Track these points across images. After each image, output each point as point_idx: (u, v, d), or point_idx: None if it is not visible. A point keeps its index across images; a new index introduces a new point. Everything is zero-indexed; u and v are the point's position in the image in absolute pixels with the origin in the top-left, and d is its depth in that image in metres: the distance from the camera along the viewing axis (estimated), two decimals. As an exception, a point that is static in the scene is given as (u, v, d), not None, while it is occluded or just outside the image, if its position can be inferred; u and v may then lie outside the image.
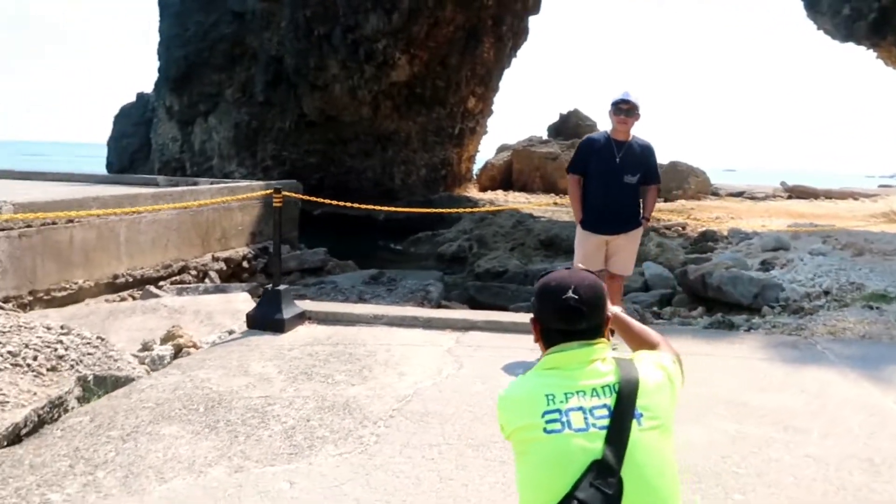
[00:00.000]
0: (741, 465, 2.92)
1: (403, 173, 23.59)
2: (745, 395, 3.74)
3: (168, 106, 24.53)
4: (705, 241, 13.88)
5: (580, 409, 1.57)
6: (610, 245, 4.60)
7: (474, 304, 8.74)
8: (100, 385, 4.03)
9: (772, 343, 4.86)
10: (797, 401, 3.68)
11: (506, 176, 27.13)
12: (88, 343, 4.43)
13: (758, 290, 7.52)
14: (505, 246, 14.72)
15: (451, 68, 22.67)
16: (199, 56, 23.08)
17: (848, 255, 9.55)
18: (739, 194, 27.27)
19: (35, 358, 3.91)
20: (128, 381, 4.11)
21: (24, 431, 3.25)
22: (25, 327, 4.29)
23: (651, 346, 1.93)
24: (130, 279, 7.59)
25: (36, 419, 3.38)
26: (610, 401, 1.57)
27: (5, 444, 3.09)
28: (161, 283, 8.01)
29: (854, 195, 26.77)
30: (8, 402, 3.37)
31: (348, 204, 7.67)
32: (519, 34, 24.61)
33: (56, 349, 4.11)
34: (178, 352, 4.93)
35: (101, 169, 27.91)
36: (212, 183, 11.03)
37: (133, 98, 29.83)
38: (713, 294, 7.82)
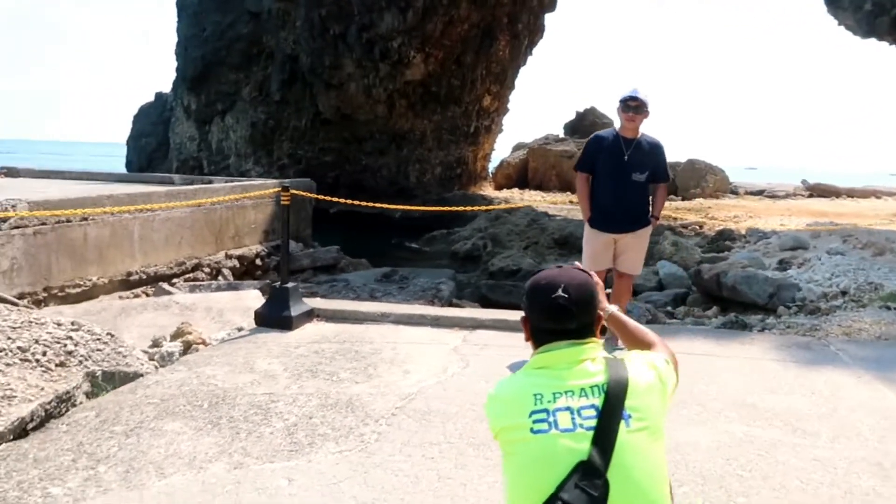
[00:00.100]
0: (746, 467, 2.86)
1: (418, 172, 23.61)
2: (753, 397, 3.68)
3: (186, 105, 24.78)
4: (722, 240, 13.70)
5: (568, 409, 1.55)
6: (618, 244, 4.55)
7: (486, 303, 8.72)
8: (108, 381, 4.06)
9: (784, 344, 4.78)
10: (807, 403, 3.61)
11: (521, 174, 27.05)
12: (98, 339, 4.46)
13: (773, 289, 7.41)
14: (519, 244, 14.67)
15: (466, 66, 22.63)
16: (217, 55, 23.28)
17: (868, 254, 9.37)
18: (759, 193, 26.93)
19: (44, 353, 3.95)
20: (136, 376, 4.15)
21: (30, 426, 3.29)
22: (36, 323, 4.34)
23: (647, 345, 1.89)
24: (144, 276, 7.66)
25: (43, 414, 3.42)
26: (598, 401, 1.54)
27: (11, 437, 3.12)
28: (174, 280, 8.08)
29: (877, 193, 26.34)
30: (15, 396, 3.41)
31: (360, 202, 7.69)
32: (535, 32, 24.50)
33: (65, 345, 4.15)
34: (187, 348, 4.97)
35: (122, 168, 28.28)
36: (226, 181, 11.11)
37: (151, 97, 30.14)
38: (728, 294, 7.72)
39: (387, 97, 21.66)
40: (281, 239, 5.36)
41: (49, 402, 3.47)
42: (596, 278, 1.99)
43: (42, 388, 3.62)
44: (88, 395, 3.86)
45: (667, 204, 21.87)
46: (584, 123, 28.02)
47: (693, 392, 3.74)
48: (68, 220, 6.67)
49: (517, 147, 29.15)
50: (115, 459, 2.84)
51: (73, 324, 4.53)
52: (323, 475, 2.73)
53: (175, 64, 25.09)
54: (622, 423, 1.52)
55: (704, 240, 14.39)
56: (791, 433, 3.22)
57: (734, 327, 5.76)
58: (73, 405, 3.66)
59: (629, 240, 4.53)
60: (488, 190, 25.35)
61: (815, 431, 3.24)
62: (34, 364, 3.83)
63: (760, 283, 7.45)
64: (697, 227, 15.75)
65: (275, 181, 11.17)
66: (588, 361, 1.63)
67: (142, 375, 4.15)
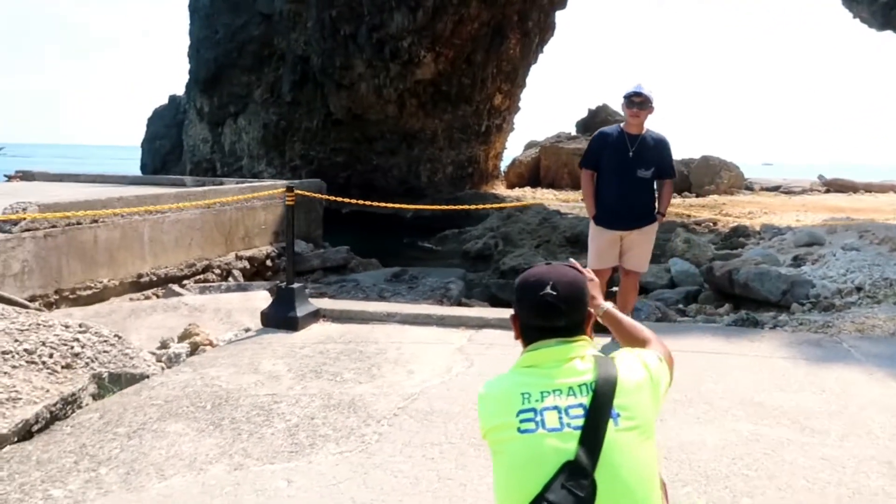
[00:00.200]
0: (752, 466, 2.81)
1: (430, 171, 23.61)
2: (762, 395, 3.62)
3: (199, 108, 24.97)
4: (736, 237, 13.56)
5: (555, 408, 1.52)
6: (624, 241, 4.50)
7: (496, 302, 8.68)
8: (115, 382, 4.08)
9: (795, 341, 4.71)
10: (817, 400, 3.55)
11: (534, 173, 26.96)
12: (105, 341, 4.49)
13: (786, 286, 7.31)
14: (531, 243, 14.62)
15: (476, 65, 22.59)
16: (228, 58, 23.42)
17: (885, 249, 9.21)
18: (775, 189, 26.62)
19: (51, 355, 3.98)
20: (142, 378, 4.17)
21: (35, 428, 3.31)
22: (44, 325, 4.37)
23: (642, 343, 1.86)
24: (154, 278, 7.71)
25: (48, 416, 3.44)
26: (586, 400, 1.52)
27: (16, 440, 3.14)
28: (185, 281, 8.13)
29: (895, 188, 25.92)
30: (20, 398, 3.43)
31: (369, 202, 7.68)
32: (545, 29, 24.40)
33: (72, 347, 4.18)
34: (194, 350, 4.99)
35: (137, 171, 28.55)
36: (236, 182, 11.16)
37: (165, 100, 30.40)
38: (740, 291, 7.62)
39: (397, 97, 21.68)
40: (287, 240, 5.36)
41: (54, 405, 3.49)
42: (591, 275, 1.97)
43: (48, 391, 3.65)
44: (95, 397, 3.88)
45: (681, 201, 21.68)
46: (596, 121, 27.84)
47: (700, 390, 3.69)
48: (78, 223, 6.73)
49: (529, 145, 29.05)
50: (116, 461, 2.85)
51: (80, 326, 4.56)
52: (322, 476, 2.72)
53: (188, 66, 25.28)
54: (610, 422, 1.49)
55: (718, 236, 14.25)
56: (799, 432, 3.16)
57: (745, 325, 5.68)
58: (79, 407, 3.69)
59: (635, 237, 4.48)
60: (500, 189, 25.29)
61: (824, 430, 3.18)
62: (40, 366, 3.86)
63: (773, 280, 7.35)
64: (711, 224, 15.61)
65: (284, 182, 11.21)
66: (577, 359, 1.60)
67: (148, 377, 4.17)
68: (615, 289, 4.74)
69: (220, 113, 24.34)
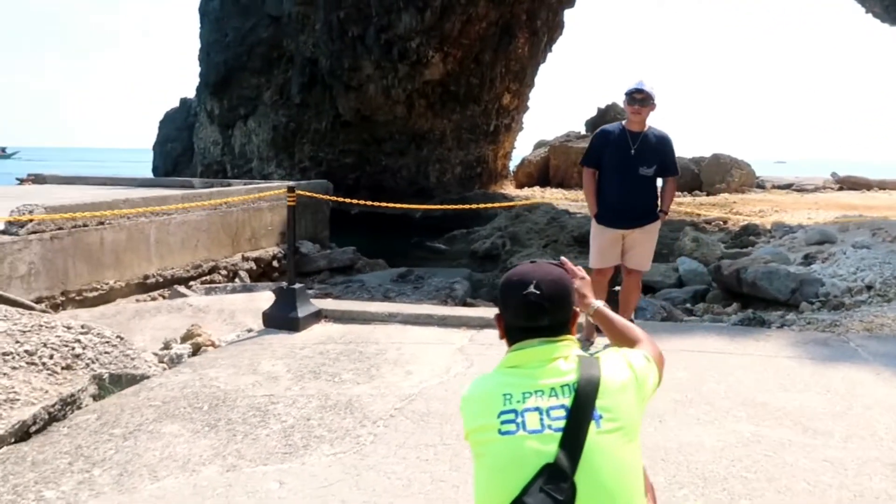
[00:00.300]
0: (752, 468, 2.76)
1: (438, 171, 23.58)
2: (765, 395, 3.56)
3: (209, 110, 25.10)
4: (746, 235, 13.42)
5: (537, 409, 1.49)
6: (626, 240, 4.45)
7: (501, 302, 8.62)
8: (115, 383, 4.09)
9: (801, 340, 4.63)
10: (821, 401, 3.49)
11: (543, 172, 26.86)
12: (107, 342, 4.50)
13: (795, 285, 7.21)
14: (539, 243, 14.57)
15: (485, 65, 22.54)
16: (238, 60, 23.53)
17: (897, 247, 9.08)
18: (787, 187, 26.36)
19: (51, 357, 3.99)
20: (143, 379, 4.17)
21: (33, 429, 3.32)
22: (46, 327, 4.39)
23: (632, 342, 1.82)
24: (161, 279, 7.74)
25: (46, 417, 3.45)
26: (568, 401, 1.48)
27: (12, 440, 3.15)
28: (191, 283, 8.16)
29: (910, 185, 25.58)
30: (18, 399, 3.44)
31: (374, 203, 7.67)
32: (554, 28, 24.31)
33: (73, 348, 4.19)
34: (196, 350, 4.99)
35: (149, 173, 28.76)
36: (243, 184, 11.20)
37: (177, 103, 30.59)
38: (748, 290, 7.53)
39: (406, 97, 21.67)
40: (289, 240, 5.35)
41: (53, 405, 3.50)
42: (582, 273, 1.93)
43: (46, 392, 3.65)
44: (95, 398, 3.89)
45: (691, 199, 21.48)
46: (605, 120, 27.69)
47: (701, 391, 3.64)
48: (85, 225, 6.76)
49: (538, 145, 28.95)
50: (110, 462, 2.85)
51: (83, 327, 4.58)
52: (315, 478, 2.70)
53: (198, 69, 25.43)
54: (592, 424, 1.45)
55: (728, 235, 14.11)
56: (802, 433, 3.10)
57: (752, 324, 5.60)
58: (79, 408, 3.69)
59: (637, 235, 4.43)
60: (509, 188, 25.22)
61: (827, 431, 3.12)
62: (40, 367, 3.87)
63: (782, 279, 7.25)
64: (721, 223, 15.46)
65: (291, 183, 11.23)
66: (560, 360, 1.56)
67: (149, 378, 4.18)
68: (618, 288, 4.69)
69: (230, 115, 24.46)
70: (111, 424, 3.28)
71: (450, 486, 2.62)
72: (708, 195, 22.85)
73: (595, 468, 1.42)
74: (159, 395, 3.68)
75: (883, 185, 25.54)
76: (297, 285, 5.20)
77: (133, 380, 4.14)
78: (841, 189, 25.49)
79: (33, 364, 3.87)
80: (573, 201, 19.24)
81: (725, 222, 15.53)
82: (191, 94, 28.23)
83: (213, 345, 5.11)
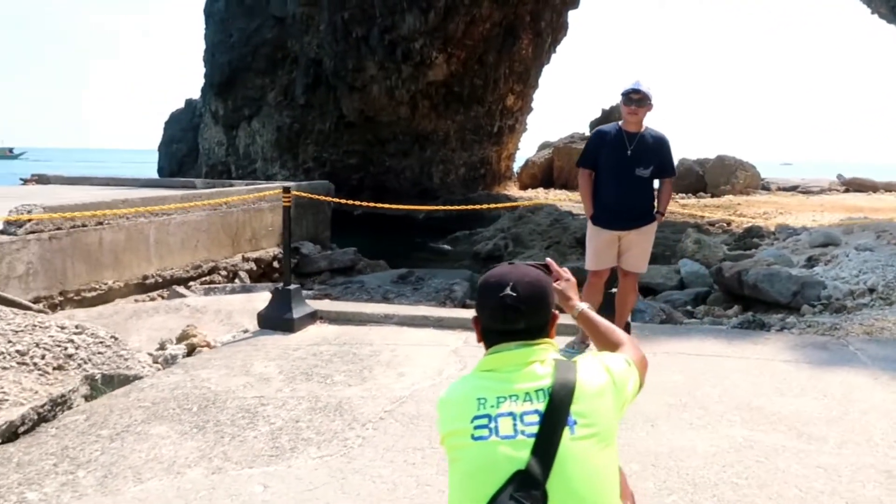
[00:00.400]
0: (743, 474, 2.72)
1: (442, 172, 23.58)
2: (760, 399, 3.52)
3: (214, 111, 25.15)
4: (750, 238, 13.34)
5: (511, 414, 1.45)
6: (622, 241, 4.41)
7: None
8: (107, 384, 4.08)
9: (800, 344, 4.58)
10: (817, 406, 3.44)
11: (547, 174, 26.83)
12: (101, 342, 4.50)
13: (797, 287, 7.15)
14: (541, 244, 14.52)
15: (488, 66, 22.53)
16: (243, 61, 23.57)
17: (902, 250, 8.99)
18: (792, 188, 26.24)
19: (43, 357, 3.99)
20: (136, 379, 4.16)
21: (21, 429, 3.30)
22: (40, 327, 4.38)
23: (614, 346, 1.78)
24: (160, 280, 7.74)
25: (35, 417, 3.43)
26: (542, 406, 1.45)
27: (0, 441, 3.14)
28: (191, 283, 8.15)
29: (917, 188, 25.41)
30: (7, 400, 3.43)
31: (371, 204, 7.66)
32: (558, 29, 24.28)
33: (66, 348, 4.18)
34: (191, 351, 4.98)
35: (154, 174, 28.84)
36: (245, 185, 11.20)
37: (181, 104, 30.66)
38: (749, 292, 7.47)
39: (409, 98, 21.69)
40: (284, 241, 5.33)
41: (42, 406, 3.48)
42: (567, 275, 1.90)
43: (36, 392, 3.65)
44: (87, 399, 3.88)
45: (695, 201, 21.40)
46: (609, 121, 27.53)
47: (696, 395, 3.60)
48: (83, 225, 6.76)
49: (543, 146, 28.92)
50: (95, 464, 2.83)
51: (77, 327, 4.57)
52: (300, 481, 2.67)
53: (203, 70, 25.49)
54: (566, 430, 1.42)
55: (732, 237, 14.04)
56: (796, 438, 3.06)
57: (751, 327, 5.55)
58: (69, 408, 3.68)
59: (633, 237, 4.38)
60: (513, 190, 25.20)
61: (821, 436, 3.07)
62: (31, 367, 3.86)
63: (783, 281, 7.19)
64: (725, 225, 15.39)
65: (292, 184, 11.21)
66: (537, 364, 1.53)
67: (141, 378, 4.16)
68: (614, 290, 4.65)
69: (235, 116, 24.51)
70: (99, 425, 3.26)
71: (436, 490, 2.59)
72: (712, 197, 22.77)
73: (567, 475, 1.38)
74: (149, 395, 3.66)
75: (889, 188, 25.39)
76: (293, 286, 5.18)
77: (126, 380, 4.13)
78: (847, 191, 25.36)
79: (24, 364, 3.86)
80: (577, 203, 19.17)
81: (729, 224, 15.46)
82: (196, 94, 28.31)
83: (208, 345, 5.10)
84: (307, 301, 5.42)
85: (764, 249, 11.49)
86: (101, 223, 6.97)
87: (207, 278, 8.49)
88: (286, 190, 5.08)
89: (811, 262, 9.41)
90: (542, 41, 23.90)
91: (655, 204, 4.46)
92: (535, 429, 1.42)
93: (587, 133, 27.94)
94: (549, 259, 1.95)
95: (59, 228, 6.53)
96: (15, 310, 4.81)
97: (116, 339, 4.67)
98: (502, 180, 25.60)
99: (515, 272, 1.60)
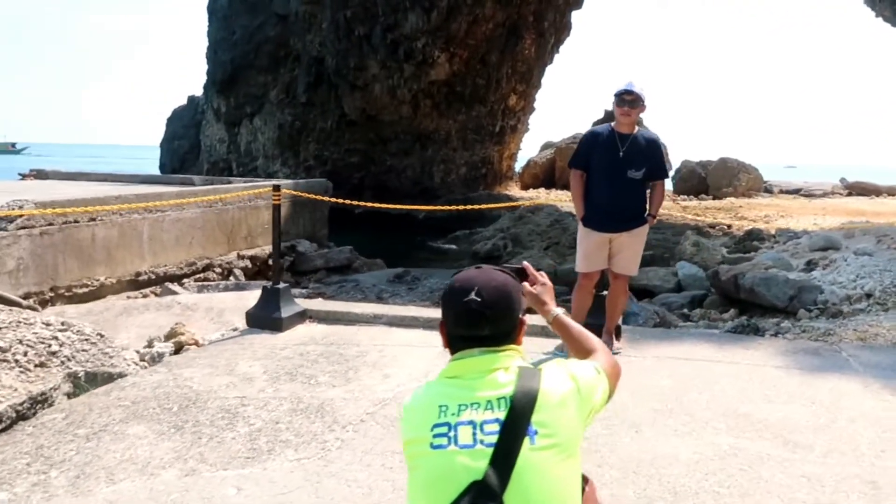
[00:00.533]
0: (725, 483, 2.67)
1: (443, 172, 23.52)
2: (747, 406, 3.47)
3: (216, 108, 25.14)
4: (750, 241, 13.26)
5: (471, 423, 1.42)
6: (613, 243, 4.36)
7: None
8: (91, 382, 4.04)
9: (791, 349, 4.53)
10: (805, 413, 3.39)
11: (549, 174, 26.74)
12: (86, 339, 4.46)
13: (794, 292, 7.08)
14: (540, 245, 14.46)
15: (491, 66, 22.46)
16: (245, 59, 23.55)
17: (902, 255, 8.91)
18: (795, 192, 26.12)
19: (25, 354, 3.94)
20: (120, 377, 4.13)
21: (-2, 427, 3.27)
22: (24, 323, 4.34)
23: (587, 353, 1.74)
24: (153, 276, 7.71)
25: (14, 415, 3.39)
26: (503, 415, 1.41)
27: (-24, 439, 3.10)
28: (185, 280, 8.12)
29: (921, 192, 25.28)
30: (-15, 397, 3.40)
31: (367, 203, 7.62)
32: (561, 30, 24.20)
33: (49, 345, 4.14)
34: (178, 349, 4.95)
35: (156, 170, 28.84)
36: (243, 182, 11.17)
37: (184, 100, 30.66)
38: (745, 296, 7.41)
39: (411, 97, 21.63)
40: (274, 239, 5.29)
41: (21, 404, 3.45)
42: (544, 279, 1.86)
43: (16, 389, 3.60)
44: (70, 396, 3.85)
45: (697, 203, 21.24)
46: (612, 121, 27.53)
47: (683, 400, 3.55)
48: (76, 221, 6.74)
49: (545, 146, 28.83)
50: (69, 464, 2.79)
51: (62, 324, 4.53)
52: (274, 484, 2.63)
53: (205, 67, 25.48)
54: (526, 440, 1.38)
55: (732, 240, 13.96)
56: (781, 446, 3.01)
57: (745, 331, 5.49)
58: (50, 406, 3.65)
59: (624, 239, 4.33)
60: (514, 190, 25.13)
61: (807, 444, 3.02)
62: (13, 364, 3.82)
63: (780, 285, 7.13)
64: (726, 227, 15.30)
65: (290, 182, 11.19)
66: (500, 371, 1.49)
67: (126, 376, 4.13)
68: (605, 293, 4.60)
69: (237, 113, 24.49)
70: (77, 424, 3.22)
71: (411, 495, 2.54)
72: (714, 199, 22.67)
73: (525, 487, 1.34)
74: (130, 394, 3.63)
75: (893, 192, 25.26)
76: (282, 285, 5.15)
77: (110, 378, 4.09)
78: (850, 194, 25.24)
79: (6, 361, 3.82)
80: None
81: (730, 227, 15.37)
82: (199, 91, 28.30)
83: (196, 343, 5.07)
84: (297, 300, 5.39)
85: (763, 253, 11.41)
86: (93, 219, 6.95)
87: (202, 276, 8.45)
88: (276, 188, 5.04)
89: (810, 265, 9.33)
90: (545, 41, 23.81)
91: (647, 206, 4.41)
92: (494, 438, 1.39)
93: (589, 134, 27.86)
94: (525, 262, 1.92)
95: (50, 224, 6.50)
96: (1, 306, 4.79)
97: (102, 336, 4.63)
98: (504, 180, 25.53)
99: (481, 277, 1.56)
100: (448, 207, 10.16)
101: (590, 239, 4.38)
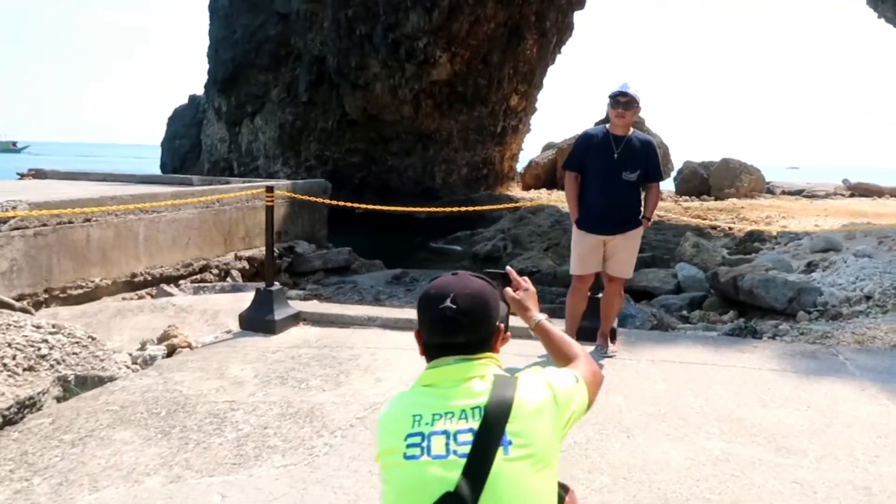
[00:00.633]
0: (717, 490, 2.63)
1: (444, 172, 23.48)
2: (742, 410, 3.43)
3: (217, 107, 25.14)
4: (751, 242, 13.22)
5: (444, 432, 1.38)
6: (608, 246, 4.32)
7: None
8: (81, 385, 4.01)
9: (788, 352, 4.48)
10: (799, 417, 3.34)
11: (550, 175, 26.68)
12: (77, 342, 4.43)
13: (793, 293, 7.04)
14: (540, 246, 14.43)
15: (492, 66, 22.42)
16: (246, 58, 23.54)
17: (903, 256, 8.85)
18: (797, 193, 26.04)
19: (14, 357, 3.91)
20: (111, 381, 4.10)
21: (-16, 432, 3.24)
22: (14, 326, 4.31)
23: (567, 360, 1.71)
24: (149, 278, 7.69)
25: (0, 420, 3.38)
26: (476, 424, 1.37)
27: (-40, 444, 3.08)
28: (181, 281, 8.10)
29: (924, 193, 25.17)
30: (-29, 402, 3.38)
31: (364, 205, 7.59)
32: (563, 30, 24.14)
33: (39, 348, 4.11)
34: (171, 352, 4.91)
35: (157, 169, 28.84)
36: (242, 182, 11.14)
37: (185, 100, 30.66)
38: (745, 298, 7.37)
39: (413, 97, 21.60)
40: (267, 241, 5.26)
41: (8, 409, 3.42)
42: (527, 285, 1.83)
43: (3, 394, 3.58)
44: (60, 400, 3.82)
45: (699, 204, 21.19)
46: (614, 122, 27.45)
47: (676, 404, 3.51)
48: (70, 222, 6.71)
49: (547, 147, 28.77)
50: (53, 470, 2.76)
51: (53, 326, 4.50)
52: (259, 491, 2.60)
53: (207, 66, 25.47)
54: (500, 450, 1.34)
55: (733, 241, 13.92)
56: (774, 451, 2.97)
57: (742, 334, 5.45)
58: (39, 410, 3.62)
59: (619, 241, 4.29)
60: (516, 190, 25.09)
61: (801, 450, 2.98)
62: (0, 368, 3.80)
63: (779, 287, 7.08)
64: (727, 228, 15.24)
65: (288, 182, 11.16)
66: (476, 379, 1.46)
67: (116, 380, 4.10)
68: (600, 295, 4.56)
69: (238, 113, 24.49)
70: (63, 429, 3.19)
71: None
72: (716, 200, 22.61)
73: (498, 498, 1.31)
74: (119, 399, 3.60)
75: (895, 193, 25.16)
76: (276, 287, 5.12)
77: (100, 381, 4.06)
78: (852, 196, 25.15)
79: (-6, 365, 3.80)
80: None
81: (731, 228, 15.31)
82: (200, 91, 28.30)
83: (189, 346, 5.03)
84: (290, 302, 5.36)
85: (764, 254, 11.36)
86: (88, 220, 6.92)
87: (198, 277, 8.43)
88: (269, 189, 5.01)
89: (810, 267, 9.28)
90: (547, 42, 23.76)
91: (642, 209, 4.37)
92: (467, 448, 1.35)
93: (591, 134, 27.80)
94: (508, 268, 1.88)
95: (44, 224, 6.48)
96: (-7, 308, 4.77)
97: (94, 338, 4.60)
98: (505, 181, 25.49)
99: (457, 283, 1.53)
100: (448, 209, 10.07)
101: (584, 241, 4.34)
